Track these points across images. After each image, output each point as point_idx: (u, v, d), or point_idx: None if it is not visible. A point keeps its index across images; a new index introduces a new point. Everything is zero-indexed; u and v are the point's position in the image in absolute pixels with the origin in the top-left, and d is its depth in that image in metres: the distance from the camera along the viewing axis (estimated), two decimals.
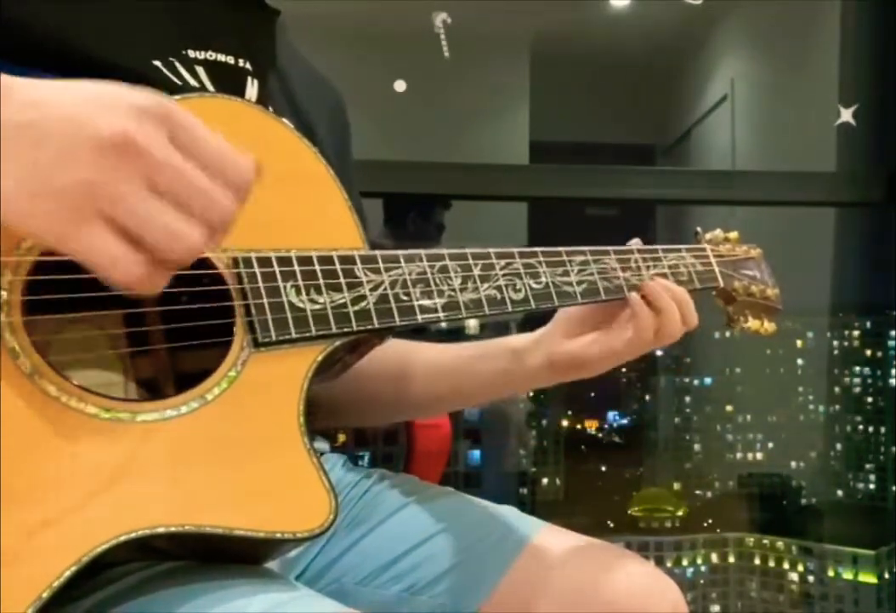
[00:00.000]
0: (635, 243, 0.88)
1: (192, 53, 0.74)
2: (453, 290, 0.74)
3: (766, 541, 2.94)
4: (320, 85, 0.94)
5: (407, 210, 2.41)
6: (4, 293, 0.55)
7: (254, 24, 0.83)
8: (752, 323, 0.95)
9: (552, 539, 0.87)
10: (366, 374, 0.85)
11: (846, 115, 2.17)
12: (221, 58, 0.77)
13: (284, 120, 0.72)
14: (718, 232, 0.98)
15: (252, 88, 0.78)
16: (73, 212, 0.48)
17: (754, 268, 0.98)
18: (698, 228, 0.97)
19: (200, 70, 0.74)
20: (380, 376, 0.90)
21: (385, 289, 0.70)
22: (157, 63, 0.71)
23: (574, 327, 0.84)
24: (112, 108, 0.49)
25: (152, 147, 0.49)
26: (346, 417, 0.94)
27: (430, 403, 0.93)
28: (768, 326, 0.97)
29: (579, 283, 0.81)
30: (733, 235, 0.99)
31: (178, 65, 0.73)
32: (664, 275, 0.86)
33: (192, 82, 0.73)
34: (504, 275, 0.77)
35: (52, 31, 0.65)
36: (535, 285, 0.79)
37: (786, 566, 2.87)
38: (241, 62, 0.78)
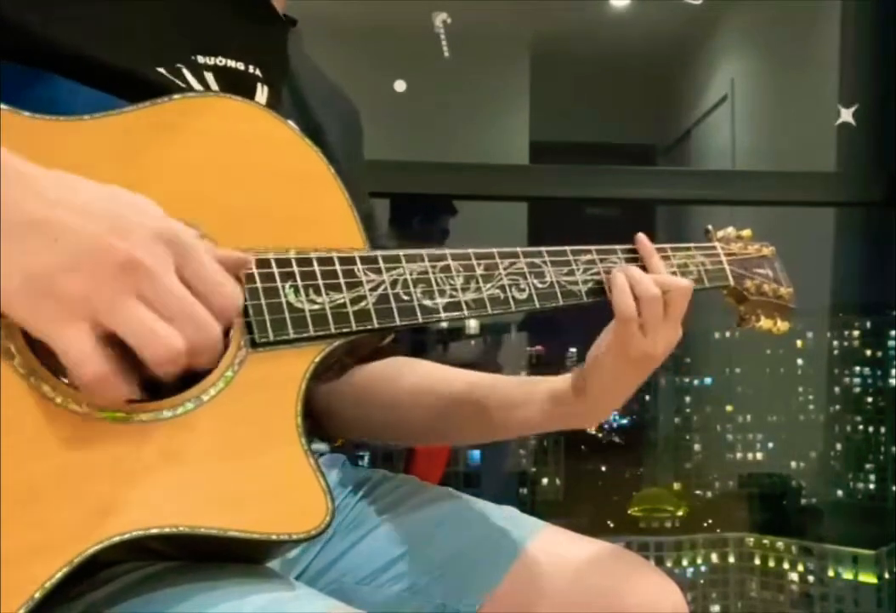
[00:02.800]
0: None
1: (201, 59, 0.74)
2: (455, 289, 0.73)
3: (766, 541, 2.93)
4: (334, 95, 0.94)
5: (412, 215, 2.40)
6: None
7: (265, 34, 0.83)
8: (765, 322, 0.94)
9: (552, 540, 0.87)
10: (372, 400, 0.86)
11: (846, 115, 2.17)
12: (231, 64, 0.76)
13: (289, 122, 0.71)
14: (731, 230, 0.97)
15: (262, 95, 0.78)
16: (66, 315, 0.50)
17: (767, 266, 0.97)
18: (709, 226, 0.96)
19: (209, 76, 0.74)
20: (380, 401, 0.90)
21: (385, 289, 0.69)
22: (162, 70, 0.71)
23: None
24: (129, 232, 0.52)
25: (157, 273, 0.52)
26: (351, 433, 0.96)
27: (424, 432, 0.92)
28: (781, 325, 0.95)
29: (584, 282, 0.81)
30: (746, 232, 0.97)
31: (185, 71, 0.73)
32: (673, 274, 0.85)
33: (199, 88, 0.73)
34: (508, 274, 0.77)
35: (61, 36, 0.66)
36: (539, 285, 0.78)
37: (786, 566, 2.86)
38: (251, 69, 0.78)
